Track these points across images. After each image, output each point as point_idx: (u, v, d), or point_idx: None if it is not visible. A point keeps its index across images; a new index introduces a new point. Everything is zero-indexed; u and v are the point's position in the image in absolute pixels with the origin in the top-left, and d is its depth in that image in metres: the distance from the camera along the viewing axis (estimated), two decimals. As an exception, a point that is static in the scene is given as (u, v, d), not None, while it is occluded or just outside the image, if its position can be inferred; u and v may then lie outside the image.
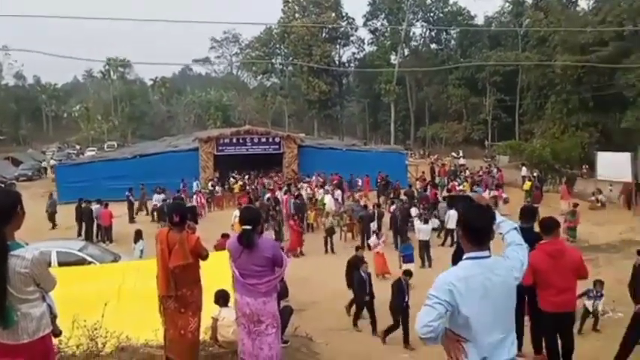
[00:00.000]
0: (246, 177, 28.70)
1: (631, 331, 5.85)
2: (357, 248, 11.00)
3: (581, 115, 38.20)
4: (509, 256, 2.86)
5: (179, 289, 4.53)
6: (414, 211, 18.35)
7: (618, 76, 35.21)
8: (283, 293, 4.88)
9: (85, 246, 12.09)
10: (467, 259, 2.70)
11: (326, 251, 16.76)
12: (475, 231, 2.72)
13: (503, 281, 2.67)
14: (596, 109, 38.15)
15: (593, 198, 22.75)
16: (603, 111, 38.28)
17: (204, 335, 5.22)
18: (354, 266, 10.35)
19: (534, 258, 4.99)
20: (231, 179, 28.03)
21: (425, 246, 15.37)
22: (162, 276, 4.56)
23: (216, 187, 26.31)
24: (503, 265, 2.74)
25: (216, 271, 5.99)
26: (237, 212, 15.43)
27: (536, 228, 5.75)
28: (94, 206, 19.15)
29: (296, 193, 21.22)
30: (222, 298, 5.64)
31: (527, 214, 5.92)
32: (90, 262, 10.53)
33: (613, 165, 21.93)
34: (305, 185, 24.89)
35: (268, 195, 21.31)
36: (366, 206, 19.06)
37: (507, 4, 52.39)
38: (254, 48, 65.41)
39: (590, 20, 39.10)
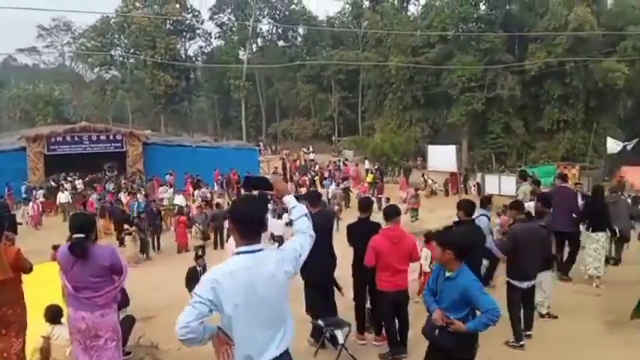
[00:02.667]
0: (79, 179, 26.03)
1: None
2: (197, 257, 10.31)
3: (414, 111, 42.02)
4: (285, 247, 2.79)
5: (-1, 307, 4.02)
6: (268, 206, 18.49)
7: (444, 75, 39.41)
8: (124, 303, 4.55)
9: None
10: (236, 253, 2.62)
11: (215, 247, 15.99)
12: (243, 223, 2.62)
13: (271, 275, 2.59)
14: (427, 106, 42.32)
15: (429, 186, 25.18)
16: (433, 108, 42.62)
17: (30, 357, 4.67)
18: (194, 278, 9.67)
19: (376, 242, 5.39)
20: (52, 183, 24.75)
21: (280, 241, 15.57)
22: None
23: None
24: (274, 259, 2.64)
25: (46, 285, 5.45)
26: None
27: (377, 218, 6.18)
28: None
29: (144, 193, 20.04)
30: (53, 315, 5.06)
31: (364, 205, 6.32)
32: None
33: (441, 157, 24.46)
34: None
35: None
36: (218, 204, 18.71)
37: (347, 6, 55.44)
38: (89, 38, 60.12)
39: (419, 24, 43.18)
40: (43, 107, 60.60)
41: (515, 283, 5.99)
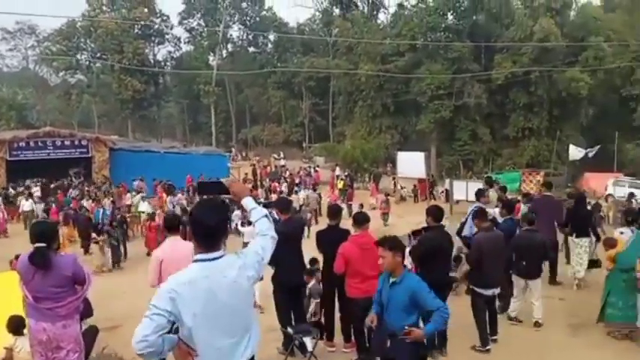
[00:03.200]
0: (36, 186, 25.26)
1: None
2: None
3: (384, 118, 42.41)
4: (246, 251, 2.70)
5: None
6: (236, 214, 18.24)
7: (413, 83, 39.97)
8: (86, 313, 4.43)
9: None
10: (194, 261, 2.54)
11: None
12: (201, 230, 2.54)
13: (233, 282, 2.52)
14: (396, 113, 42.79)
15: (399, 192, 25.42)
16: (402, 115, 43.13)
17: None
18: None
19: (346, 249, 5.42)
20: (11, 190, 23.90)
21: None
22: None
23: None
24: (235, 265, 2.57)
25: (7, 295, 5.27)
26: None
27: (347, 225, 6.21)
28: None
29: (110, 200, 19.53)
30: (16, 326, 4.90)
31: (333, 212, 6.37)
32: None
33: (410, 163, 24.68)
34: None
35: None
36: (185, 210, 18.39)
37: (318, 13, 55.73)
38: (54, 41, 58.66)
39: (389, 33, 43.71)
40: (6, 112, 58.66)
41: (480, 290, 6.11)
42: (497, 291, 6.29)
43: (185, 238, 5.31)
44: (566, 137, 34.74)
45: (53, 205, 20.26)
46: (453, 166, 38.10)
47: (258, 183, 28.47)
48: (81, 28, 54.83)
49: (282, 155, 43.73)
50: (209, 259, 2.51)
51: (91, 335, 4.78)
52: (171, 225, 5.27)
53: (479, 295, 6.11)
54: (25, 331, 4.74)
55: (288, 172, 32.12)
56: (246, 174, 30.47)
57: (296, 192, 22.89)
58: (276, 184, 26.86)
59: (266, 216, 2.84)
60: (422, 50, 39.89)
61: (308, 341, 5.18)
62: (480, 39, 39.94)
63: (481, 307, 6.12)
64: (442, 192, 25.77)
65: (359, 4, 52.58)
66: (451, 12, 41.40)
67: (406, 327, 3.76)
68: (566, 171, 31.18)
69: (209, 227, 2.52)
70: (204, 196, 2.98)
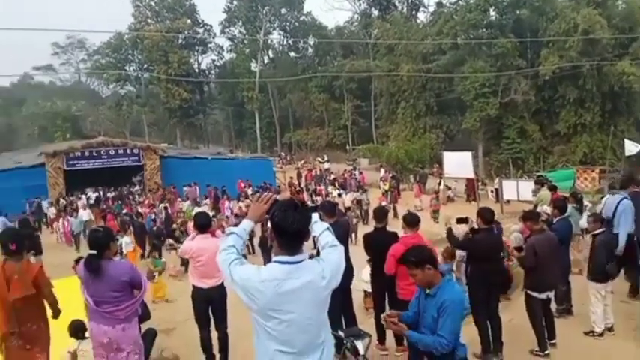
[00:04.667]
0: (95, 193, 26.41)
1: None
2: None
3: (427, 118, 41.87)
4: (324, 259, 2.64)
5: (22, 323, 4.07)
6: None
7: (456, 82, 39.26)
8: (145, 316, 4.59)
9: None
10: (274, 261, 2.55)
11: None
12: (282, 233, 2.52)
13: (308, 288, 2.48)
14: (440, 112, 42.16)
15: (445, 192, 24.94)
16: (446, 114, 42.45)
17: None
18: None
19: (397, 250, 5.36)
20: (63, 200, 24.80)
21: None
22: (1, 311, 4.05)
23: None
24: (314, 270, 2.53)
25: (70, 300, 5.51)
26: (127, 239, 14.13)
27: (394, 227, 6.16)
28: None
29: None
30: (78, 329, 5.12)
31: (380, 215, 6.32)
32: None
33: (457, 163, 24.17)
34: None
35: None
36: (237, 215, 18.69)
37: (357, 15, 55.67)
38: (104, 54, 61.20)
39: (429, 32, 43.13)
40: (61, 123, 61.69)
41: (535, 294, 5.94)
42: (551, 294, 6.12)
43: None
44: (621, 132, 33.22)
45: (108, 212, 21.09)
46: (501, 165, 37.11)
47: (303, 187, 28.67)
48: (128, 40, 56.94)
49: (326, 158, 43.88)
50: (289, 262, 2.50)
51: (149, 337, 4.94)
52: (203, 224, 5.56)
53: (534, 298, 5.94)
54: (87, 334, 4.94)
55: (332, 175, 32.15)
56: (291, 178, 30.74)
57: (340, 195, 22.87)
58: (321, 188, 26.96)
59: (328, 228, 2.83)
60: (464, 48, 39.13)
61: (360, 344, 5.16)
62: (525, 34, 38.80)
63: (537, 311, 5.95)
64: (492, 192, 25.15)
65: (397, 4, 52.19)
66: (493, 8, 40.42)
67: (395, 314, 3.62)
68: (623, 167, 29.79)
69: (290, 229, 2.49)
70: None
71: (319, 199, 23.62)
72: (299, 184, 29.67)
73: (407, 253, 3.74)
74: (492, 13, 40.73)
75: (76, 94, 71.89)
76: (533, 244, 5.93)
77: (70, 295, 5.80)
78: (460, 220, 6.36)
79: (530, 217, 6.42)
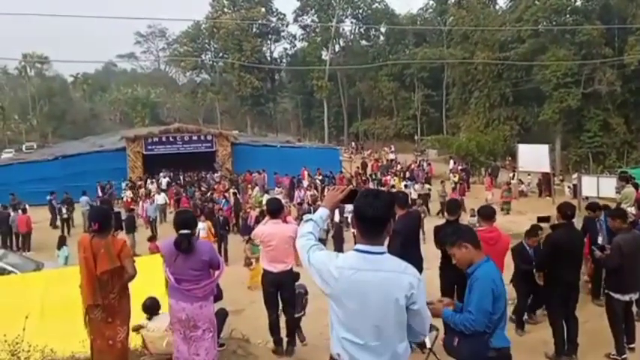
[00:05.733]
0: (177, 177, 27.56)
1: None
2: None
3: (502, 109, 40.28)
4: (417, 276, 2.48)
5: (106, 296, 4.32)
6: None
7: (535, 71, 37.41)
8: (218, 296, 4.78)
9: (4, 254, 11.28)
10: (353, 249, 2.50)
11: None
12: (363, 221, 2.46)
13: (383, 284, 2.38)
14: (516, 103, 40.41)
15: (517, 186, 23.99)
16: (522, 105, 40.64)
17: (133, 343, 5.00)
18: None
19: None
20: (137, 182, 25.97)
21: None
22: (87, 284, 4.33)
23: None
24: (393, 267, 2.44)
25: (148, 277, 5.78)
26: (201, 224, 14.58)
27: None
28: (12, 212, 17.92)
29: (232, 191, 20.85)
30: (151, 307, 5.26)
31: (452, 207, 6.20)
32: (10, 272, 9.84)
33: (532, 156, 23.19)
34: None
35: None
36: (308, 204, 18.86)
37: (432, 2, 54.24)
38: (182, 43, 63.60)
39: (508, 18, 41.27)
40: (141, 109, 65.09)
41: (617, 296, 5.64)
42: (635, 296, 5.80)
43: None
44: None
45: (183, 196, 22.01)
46: (580, 159, 35.08)
47: (369, 177, 28.51)
48: (205, 29, 58.80)
49: (392, 148, 43.33)
50: (368, 252, 2.44)
51: (221, 317, 5.13)
52: (275, 209, 5.62)
53: (616, 300, 5.62)
54: (161, 311, 5.19)
55: (399, 166, 31.76)
56: (357, 167, 30.69)
57: (406, 186, 22.57)
58: (388, 178, 26.69)
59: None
60: (545, 35, 37.13)
61: (427, 338, 5.11)
62: (612, 20, 36.22)
63: (618, 313, 5.64)
64: (569, 187, 23.90)
65: (475, -11, 50.30)
66: (578, -7, 38.08)
67: (449, 301, 3.48)
68: None
69: (370, 215, 2.44)
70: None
71: (385, 190, 23.42)
72: (365, 173, 29.52)
73: (443, 233, 3.68)
74: (577, -2, 38.41)
75: (155, 81, 75.47)
76: (619, 243, 5.60)
77: (148, 273, 6.08)
78: (542, 219, 6.15)
79: (618, 215, 6.07)
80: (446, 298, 3.77)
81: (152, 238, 13.64)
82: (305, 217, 2.85)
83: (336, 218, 15.88)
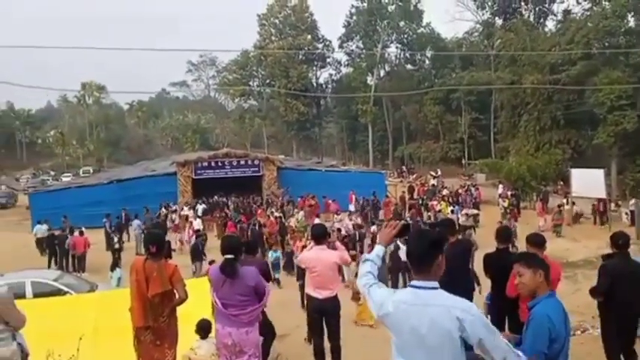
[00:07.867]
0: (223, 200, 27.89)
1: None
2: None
3: (553, 132, 39.06)
4: (475, 315, 2.49)
5: (156, 319, 4.43)
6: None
7: (588, 94, 36.22)
8: (270, 333, 4.78)
9: (60, 275, 11.77)
10: (409, 285, 2.63)
11: None
12: (411, 259, 2.66)
13: (433, 322, 2.43)
14: (568, 126, 39.11)
15: (570, 212, 23.05)
16: (575, 128, 39.28)
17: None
18: None
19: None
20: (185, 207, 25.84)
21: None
22: (138, 306, 4.46)
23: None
24: (447, 304, 2.46)
25: (195, 300, 5.87)
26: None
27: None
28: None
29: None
30: (203, 329, 5.37)
31: (503, 235, 6.04)
32: (66, 293, 10.24)
33: (587, 181, 22.33)
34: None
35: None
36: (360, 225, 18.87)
37: (478, 26, 53.77)
38: (231, 71, 65.70)
39: (558, 41, 40.33)
40: (191, 135, 67.34)
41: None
42: None
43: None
44: None
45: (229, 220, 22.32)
46: (638, 184, 33.45)
47: (416, 201, 28.07)
48: (253, 57, 60.49)
49: (438, 172, 42.63)
50: (419, 287, 2.56)
51: (268, 340, 5.15)
52: (319, 234, 5.59)
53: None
54: (211, 335, 5.24)
55: (445, 190, 31.17)
56: (403, 192, 30.35)
57: (453, 211, 22.08)
58: (434, 203, 26.23)
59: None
60: (598, 57, 36.03)
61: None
62: (670, 41, 34.77)
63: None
64: (626, 214, 22.76)
65: (524, 12, 49.59)
66: (632, 14, 36.81)
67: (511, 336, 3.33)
68: None
69: (416, 256, 2.61)
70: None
71: (430, 215, 23.04)
72: (412, 197, 29.12)
73: (523, 253, 3.90)
74: (631, 19, 37.14)
75: (205, 107, 78.01)
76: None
77: (197, 297, 6.18)
78: (607, 257, 5.90)
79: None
80: (508, 333, 3.84)
81: (212, 262, 13.79)
82: (362, 257, 3.01)
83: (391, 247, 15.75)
